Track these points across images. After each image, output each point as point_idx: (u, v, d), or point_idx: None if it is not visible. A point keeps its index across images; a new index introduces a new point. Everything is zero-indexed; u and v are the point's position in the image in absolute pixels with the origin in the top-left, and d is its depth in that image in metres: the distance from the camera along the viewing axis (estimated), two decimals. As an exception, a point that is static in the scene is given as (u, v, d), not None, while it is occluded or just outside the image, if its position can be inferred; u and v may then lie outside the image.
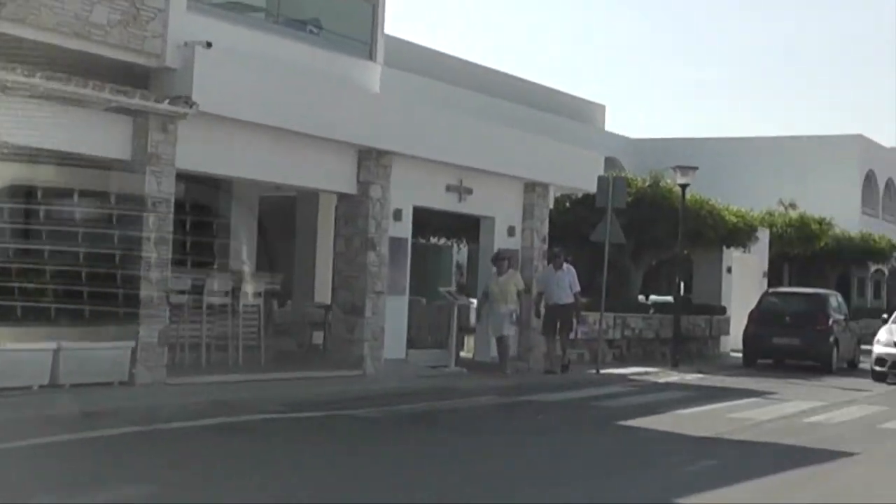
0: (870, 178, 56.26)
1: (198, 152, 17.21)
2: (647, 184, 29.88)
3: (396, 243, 21.08)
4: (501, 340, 22.23)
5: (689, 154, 53.94)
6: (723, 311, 33.38)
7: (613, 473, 12.21)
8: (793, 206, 44.50)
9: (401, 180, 21.01)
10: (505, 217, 24.26)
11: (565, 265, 23.09)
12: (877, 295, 52.78)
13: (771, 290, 32.22)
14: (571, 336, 23.65)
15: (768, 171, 52.00)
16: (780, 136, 58.12)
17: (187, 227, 19.31)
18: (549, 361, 23.35)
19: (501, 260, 22.54)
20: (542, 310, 23.21)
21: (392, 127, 20.60)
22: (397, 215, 21.09)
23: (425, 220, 24.86)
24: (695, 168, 27.90)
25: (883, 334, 26.03)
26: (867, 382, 25.39)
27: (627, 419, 16.82)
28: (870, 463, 13.65)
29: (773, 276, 41.47)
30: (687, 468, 12.70)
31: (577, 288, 23.10)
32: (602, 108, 56.95)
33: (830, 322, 28.42)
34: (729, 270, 35.34)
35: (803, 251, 41.54)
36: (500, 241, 23.96)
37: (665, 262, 33.38)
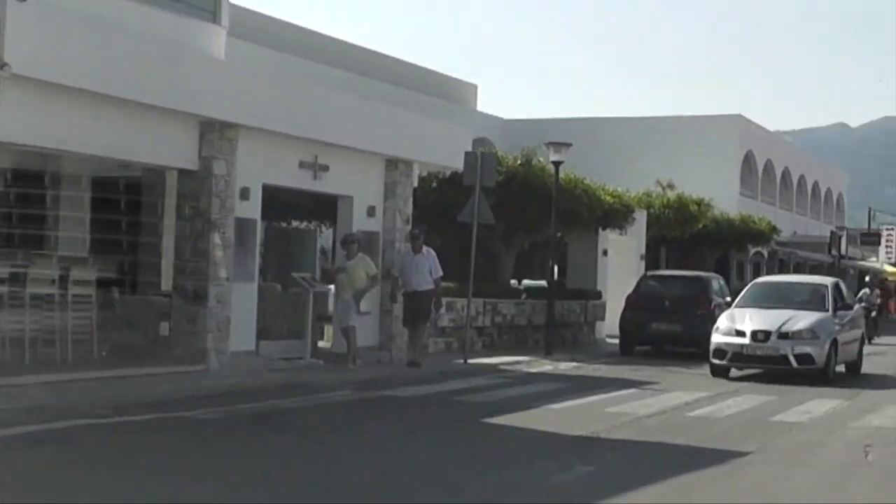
0: (749, 160, 55.55)
1: (14, 122, 15.13)
2: (518, 162, 28.34)
3: (244, 225, 19.17)
4: (347, 331, 20.41)
5: (563, 135, 52.94)
6: (598, 295, 32.02)
7: (467, 487, 10.43)
8: (671, 186, 43.37)
9: (248, 156, 19.11)
10: (364, 196, 22.47)
11: (425, 249, 21.32)
12: (756, 278, 51.98)
13: (650, 273, 30.86)
14: (430, 325, 21.93)
15: (647, 151, 50.90)
16: (658, 117, 57.26)
17: (8, 207, 17.30)
18: (413, 352, 21.56)
19: (350, 243, 20.73)
20: (400, 297, 21.43)
21: (238, 97, 18.67)
22: (244, 194, 19.16)
23: (285, 201, 23.03)
24: (568, 144, 26.43)
25: (723, 321, 22.71)
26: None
27: (494, 416, 15.15)
28: (765, 463, 12.12)
29: (651, 259, 40.37)
30: (558, 477, 11.01)
31: (439, 273, 21.38)
32: (474, 87, 55.36)
33: (712, 306, 27.08)
34: (605, 253, 34.06)
35: (682, 233, 40.51)
36: (360, 223, 22.20)
37: (538, 244, 31.94)
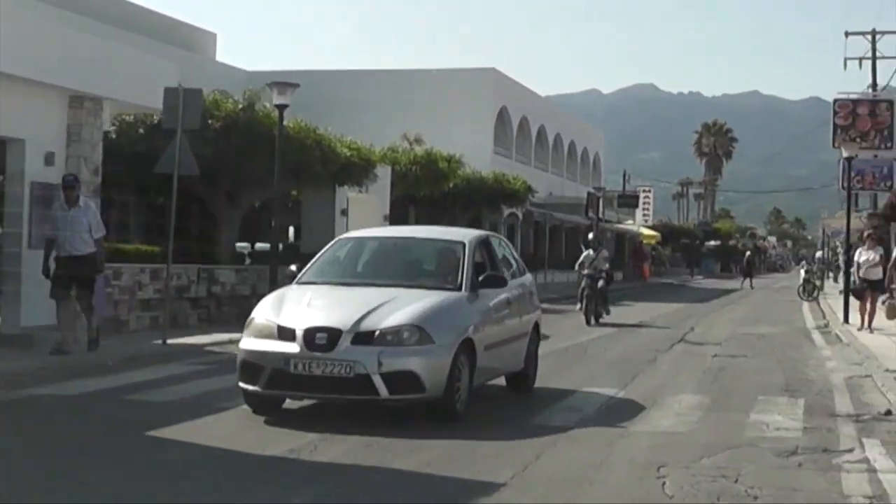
0: (503, 116, 52.69)
1: None
2: (240, 107, 24.41)
3: None
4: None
5: (309, 88, 49.46)
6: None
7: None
8: (418, 141, 40.08)
9: None
10: (41, 140, 18.07)
11: (82, 200, 16.68)
12: (510, 240, 49.21)
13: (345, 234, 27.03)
14: (97, 301, 17.41)
15: (397, 106, 47.53)
16: (409, 70, 54.15)
17: None
18: (67, 336, 16.88)
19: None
20: (53, 263, 16.86)
21: None
22: None
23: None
24: (294, 85, 22.65)
25: (262, 310, 12.40)
26: None
27: (169, 425, 11.17)
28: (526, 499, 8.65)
29: (399, 220, 37.13)
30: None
31: (101, 231, 16.62)
32: (213, 36, 50.92)
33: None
34: (344, 213, 30.54)
35: (431, 192, 37.31)
36: (35, 172, 17.90)
37: (270, 202, 28.15)
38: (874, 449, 10.57)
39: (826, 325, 28.64)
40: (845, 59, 55.81)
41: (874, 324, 24.30)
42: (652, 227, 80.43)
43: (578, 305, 28.36)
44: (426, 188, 36.55)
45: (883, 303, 23.94)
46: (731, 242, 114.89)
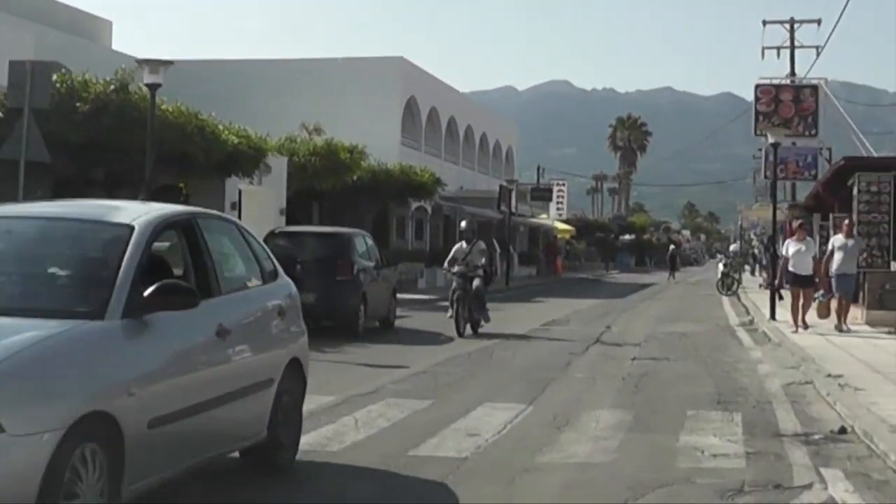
0: (412, 107, 50.57)
1: None
2: (111, 87, 22.05)
3: None
4: None
5: (209, 77, 47.14)
6: (223, 258, 26.00)
7: None
8: (318, 130, 37.73)
9: None
10: None
11: None
12: (419, 235, 47.25)
13: (278, 229, 24.79)
14: None
15: (300, 96, 45.22)
16: (313, 59, 51.87)
17: None
18: None
19: None
20: None
21: None
22: None
23: None
24: (168, 62, 20.32)
25: None
26: (401, 350, 19.18)
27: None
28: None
29: (301, 216, 34.92)
30: None
31: None
32: (108, 24, 48.26)
33: (356, 270, 21.64)
34: (234, 207, 28.27)
35: (333, 185, 35.05)
36: None
37: (158, 195, 25.75)
38: (838, 484, 8.58)
39: (751, 322, 26.90)
40: (763, 49, 54.91)
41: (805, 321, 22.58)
42: (566, 222, 78.75)
43: (449, 312, 22.51)
44: (328, 181, 34.31)
45: (815, 300, 22.26)
46: (646, 237, 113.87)
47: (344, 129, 36.61)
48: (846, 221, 22.83)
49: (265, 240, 22.51)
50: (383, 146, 43.46)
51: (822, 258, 22.79)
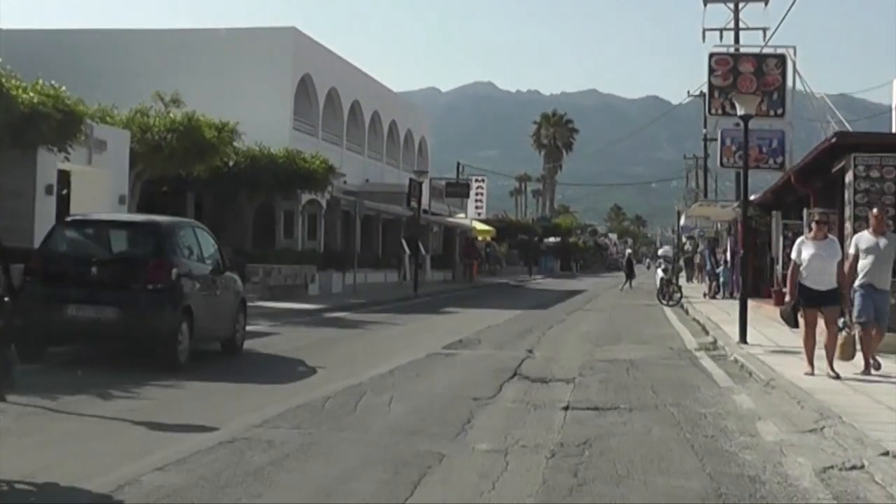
0: (307, 85, 43.94)
1: None
2: None
3: None
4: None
5: (68, 48, 40.66)
6: (27, 256, 19.50)
7: None
8: (176, 101, 31.22)
9: None
10: None
11: None
12: (312, 234, 40.70)
13: (70, 218, 18.00)
14: None
15: (175, 71, 38.61)
16: (190, 29, 45.36)
17: None
18: None
19: None
20: None
21: None
22: None
23: None
24: None
25: None
26: (229, 393, 13.30)
27: None
28: None
29: (177, 207, 28.73)
30: None
31: None
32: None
33: (175, 274, 15.21)
34: (50, 191, 21.97)
35: (203, 172, 28.72)
36: None
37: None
38: None
39: (714, 345, 20.77)
40: (704, 31, 50.28)
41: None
42: (485, 222, 72.70)
43: None
44: (192, 165, 27.95)
45: (842, 330, 15.40)
46: (572, 239, 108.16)
47: (227, 110, 30.05)
48: (874, 212, 15.81)
49: (51, 234, 16.29)
50: (272, 130, 37.34)
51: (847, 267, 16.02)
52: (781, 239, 29.36)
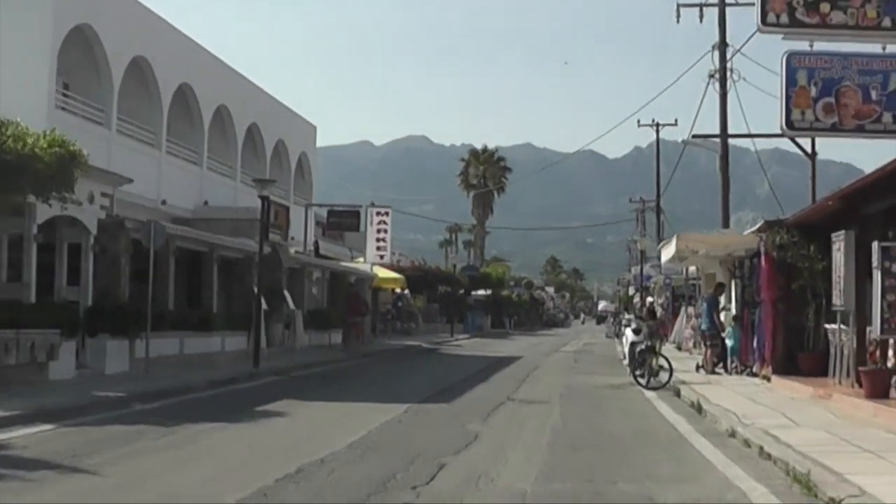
0: (89, 43, 28.50)
1: None
2: None
3: None
4: None
5: None
6: None
7: None
8: None
9: None
10: None
11: None
12: (71, 279, 24.51)
13: None
14: None
15: None
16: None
17: None
18: None
19: None
20: None
21: None
22: None
23: None
24: None
25: None
26: None
27: None
28: None
29: None
30: None
31: None
32: None
33: None
34: None
35: None
36: None
37: None
38: None
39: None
40: (678, 6, 40.43)
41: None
42: (397, 269, 57.97)
43: None
44: None
45: None
46: (505, 292, 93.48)
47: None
48: None
49: None
50: (21, 105, 22.68)
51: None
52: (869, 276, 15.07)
